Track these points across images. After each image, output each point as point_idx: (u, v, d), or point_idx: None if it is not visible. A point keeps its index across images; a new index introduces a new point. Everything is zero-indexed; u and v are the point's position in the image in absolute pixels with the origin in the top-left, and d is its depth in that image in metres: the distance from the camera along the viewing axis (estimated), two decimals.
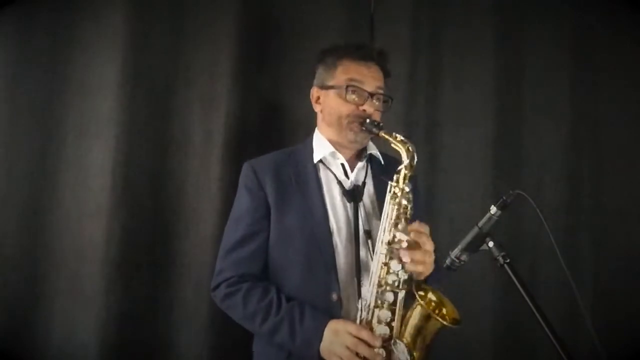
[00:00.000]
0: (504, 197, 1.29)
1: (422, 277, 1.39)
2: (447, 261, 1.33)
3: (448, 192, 2.09)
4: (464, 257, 1.33)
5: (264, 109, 1.97)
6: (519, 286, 1.23)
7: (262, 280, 1.50)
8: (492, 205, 1.30)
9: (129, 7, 1.81)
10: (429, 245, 1.36)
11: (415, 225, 1.36)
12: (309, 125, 1.69)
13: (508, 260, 1.26)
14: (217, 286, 1.51)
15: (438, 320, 1.31)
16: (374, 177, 1.60)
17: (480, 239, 1.30)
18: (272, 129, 1.98)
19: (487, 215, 1.30)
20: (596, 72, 2.19)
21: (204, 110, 1.88)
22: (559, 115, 2.17)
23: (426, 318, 1.32)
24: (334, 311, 1.42)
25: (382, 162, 1.62)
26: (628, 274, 2.13)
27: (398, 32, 2.08)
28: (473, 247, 1.31)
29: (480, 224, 1.30)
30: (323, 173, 1.57)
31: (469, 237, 1.32)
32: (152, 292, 1.81)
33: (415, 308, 1.33)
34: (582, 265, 2.12)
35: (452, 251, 1.33)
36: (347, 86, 1.52)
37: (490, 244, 1.29)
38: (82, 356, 1.72)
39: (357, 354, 1.32)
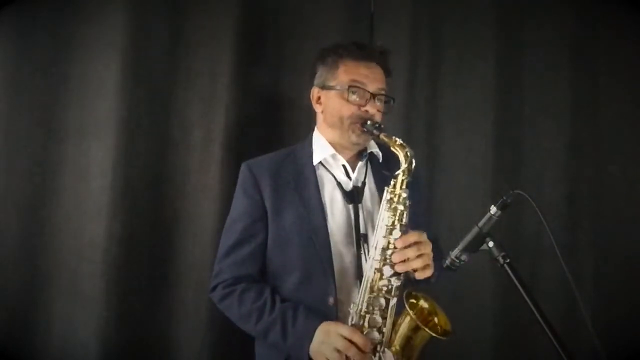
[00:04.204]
0: (504, 197, 1.28)
1: (422, 277, 1.38)
2: (447, 261, 1.33)
3: (448, 192, 2.09)
4: (464, 257, 1.32)
5: (264, 109, 1.97)
6: (519, 286, 1.23)
7: (259, 281, 1.49)
8: (492, 205, 1.29)
9: (129, 7, 1.80)
10: (425, 249, 1.35)
11: (413, 237, 1.34)
12: (310, 124, 1.69)
13: (508, 260, 1.26)
14: (215, 288, 1.52)
15: (427, 331, 1.30)
16: (374, 175, 1.58)
17: (480, 239, 1.30)
18: (272, 128, 1.97)
19: (487, 215, 1.29)
20: (596, 72, 2.19)
21: (204, 110, 1.88)
22: (559, 115, 2.17)
23: (415, 329, 1.31)
24: (330, 315, 1.41)
25: (381, 160, 1.61)
26: (628, 274, 2.13)
27: (398, 32, 2.08)
28: (473, 247, 1.31)
29: (480, 224, 1.30)
30: (323, 175, 1.55)
31: (469, 237, 1.31)
32: (152, 292, 1.80)
33: (404, 317, 1.33)
34: (582, 265, 2.12)
35: (452, 251, 1.33)
36: (349, 87, 1.51)
37: (490, 244, 1.28)
38: (82, 356, 1.72)
39: (346, 357, 1.29)
